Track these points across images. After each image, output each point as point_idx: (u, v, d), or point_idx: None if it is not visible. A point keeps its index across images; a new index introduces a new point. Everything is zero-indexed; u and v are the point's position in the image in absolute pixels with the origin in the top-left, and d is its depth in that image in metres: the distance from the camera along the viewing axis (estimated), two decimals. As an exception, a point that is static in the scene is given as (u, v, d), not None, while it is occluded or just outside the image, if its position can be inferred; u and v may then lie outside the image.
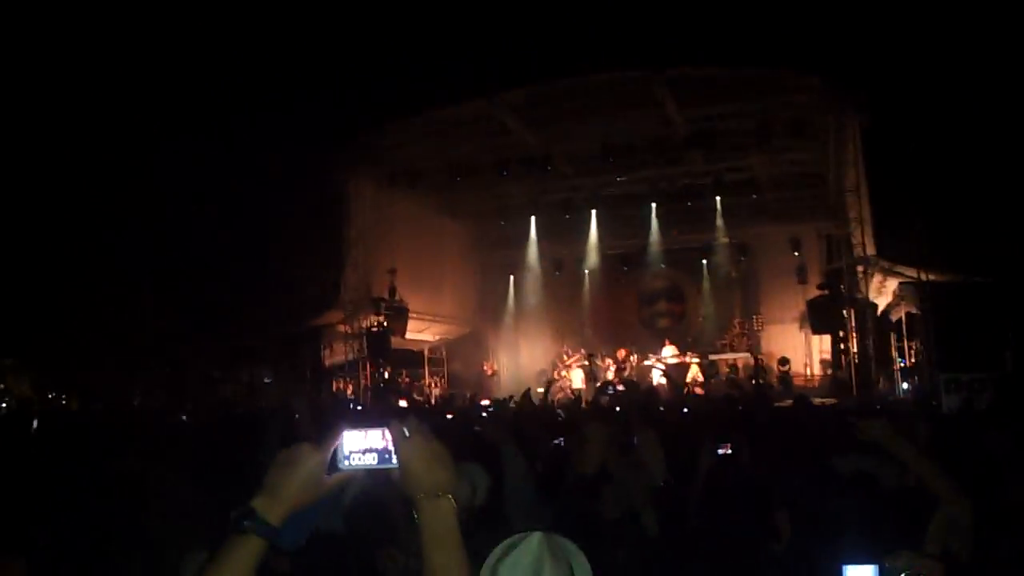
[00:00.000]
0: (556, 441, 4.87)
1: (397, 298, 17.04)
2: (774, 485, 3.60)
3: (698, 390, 16.92)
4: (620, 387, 16.32)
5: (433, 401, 16.39)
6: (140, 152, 15.65)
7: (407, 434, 1.54)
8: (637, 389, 16.36)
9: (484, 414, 8.62)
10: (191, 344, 15.61)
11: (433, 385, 19.95)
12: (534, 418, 6.72)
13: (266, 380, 15.25)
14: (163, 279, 16.09)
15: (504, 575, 1.99)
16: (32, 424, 9.56)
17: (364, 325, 16.83)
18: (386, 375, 16.66)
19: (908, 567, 1.69)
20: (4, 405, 14.34)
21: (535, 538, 2.03)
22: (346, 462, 1.57)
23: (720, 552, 2.52)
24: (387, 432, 1.55)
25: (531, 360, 20.65)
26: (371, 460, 1.56)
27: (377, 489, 2.73)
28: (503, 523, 2.71)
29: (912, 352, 14.50)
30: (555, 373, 19.39)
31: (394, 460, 1.54)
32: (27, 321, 15.16)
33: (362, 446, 1.57)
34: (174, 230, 16.06)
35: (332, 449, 1.57)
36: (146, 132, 15.58)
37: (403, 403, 15.08)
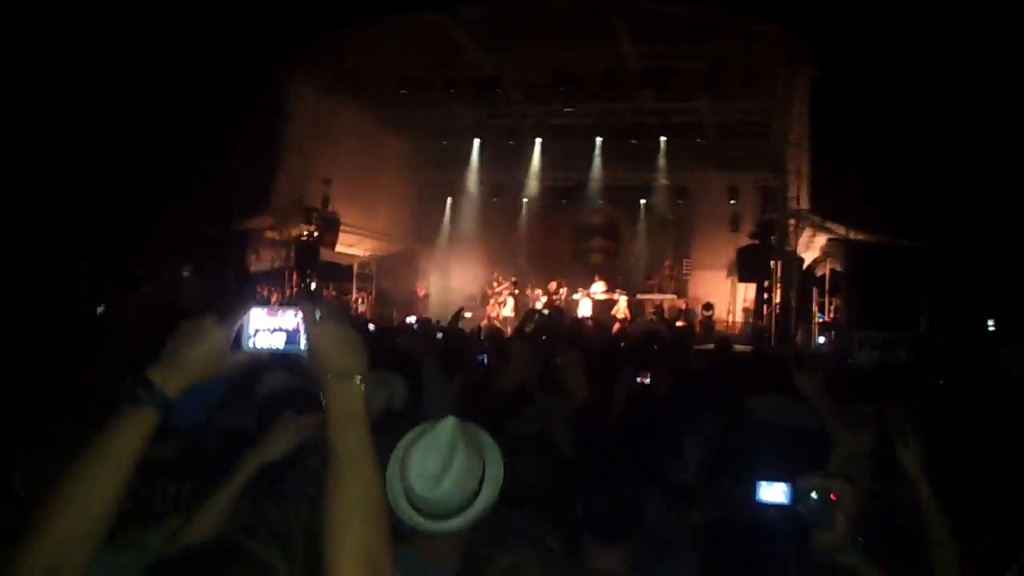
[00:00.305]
0: (480, 357, 4.85)
1: (330, 209, 16.71)
2: (687, 414, 3.65)
3: (617, 326, 17.16)
4: (545, 312, 16.52)
5: (359, 316, 16.25)
6: (73, 43, 14.79)
7: (318, 317, 1.45)
8: (562, 316, 16.63)
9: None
10: (112, 237, 15.09)
11: (360, 301, 19.78)
12: (460, 337, 6.71)
13: (187, 277, 14.84)
14: (88, 169, 15.42)
15: (417, 457, 1.97)
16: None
17: (293, 234, 16.47)
18: (312, 286, 16.40)
19: (819, 486, 1.72)
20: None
21: (449, 423, 2.01)
22: (251, 341, 1.47)
23: (630, 472, 2.54)
24: (298, 313, 1.47)
25: (462, 284, 20.62)
26: (279, 341, 1.47)
27: (295, 394, 2.65)
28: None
29: (832, 308, 14.90)
30: (485, 300, 19.42)
31: (303, 343, 1.46)
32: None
33: (270, 326, 1.47)
34: (103, 121, 15.32)
35: (237, 325, 1.47)
36: (79, 23, 14.72)
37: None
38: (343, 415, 1.41)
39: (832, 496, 1.73)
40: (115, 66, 14.73)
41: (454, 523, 1.97)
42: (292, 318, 1.48)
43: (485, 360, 4.78)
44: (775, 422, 3.65)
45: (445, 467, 1.94)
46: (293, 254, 16.50)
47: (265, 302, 1.50)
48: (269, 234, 16.55)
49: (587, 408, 3.33)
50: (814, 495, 1.73)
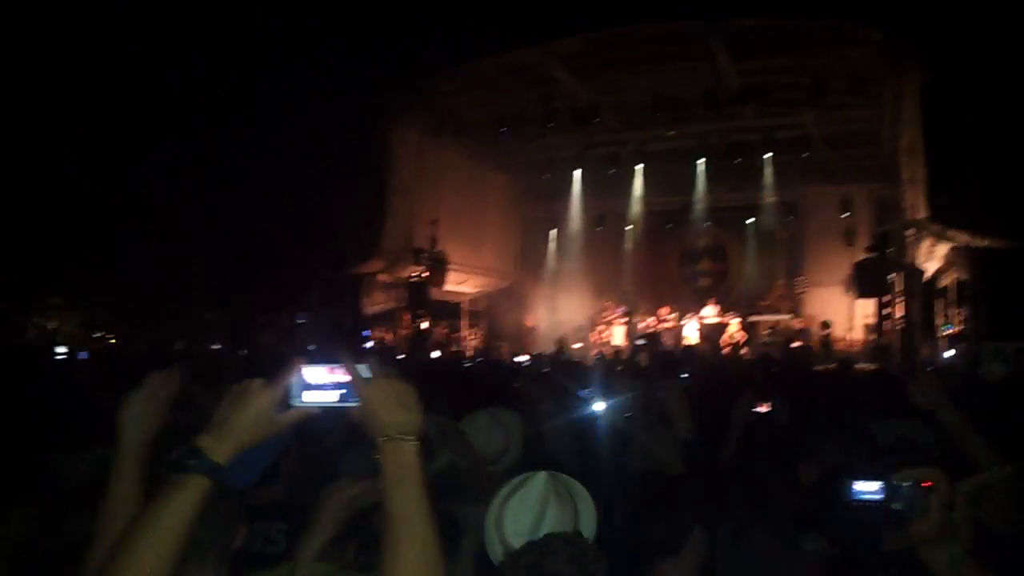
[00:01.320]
0: (582, 393, 4.84)
1: (437, 249, 17.04)
2: (806, 442, 3.54)
3: (729, 350, 16.78)
4: (641, 341, 16.30)
5: (471, 353, 16.46)
6: (189, 93, 15.69)
7: (368, 374, 1.46)
8: (659, 342, 16.41)
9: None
10: (234, 289, 15.82)
11: (471, 337, 20.03)
12: (566, 371, 6.71)
13: (304, 323, 15.35)
14: (209, 222, 16.27)
15: (511, 514, 2.01)
16: (79, 356, 9.83)
17: (404, 275, 16.87)
18: (424, 325, 16.71)
19: (911, 476, 1.67)
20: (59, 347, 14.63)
21: (540, 477, 2.04)
22: (300, 400, 1.48)
23: (746, 502, 2.50)
24: (347, 370, 1.47)
25: (570, 315, 20.58)
26: (328, 398, 1.47)
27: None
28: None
29: (959, 320, 14.15)
30: (595, 329, 19.34)
31: (353, 399, 1.46)
32: (76, 259, 15.44)
33: (325, 381, 1.48)
34: (222, 173, 16.16)
35: (285, 385, 1.49)
36: (196, 72, 15.61)
37: (437, 353, 15.21)
38: (397, 476, 1.41)
39: (925, 484, 1.68)
40: (232, 121, 15.54)
41: None
42: (342, 374, 1.47)
43: (588, 395, 4.77)
44: (901, 449, 3.49)
45: (538, 521, 1.98)
46: (405, 295, 16.88)
47: (317, 357, 1.49)
48: (381, 277, 16.98)
49: (695, 440, 3.27)
50: (906, 484, 1.69)
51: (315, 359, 1.51)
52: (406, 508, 1.39)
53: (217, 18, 15.14)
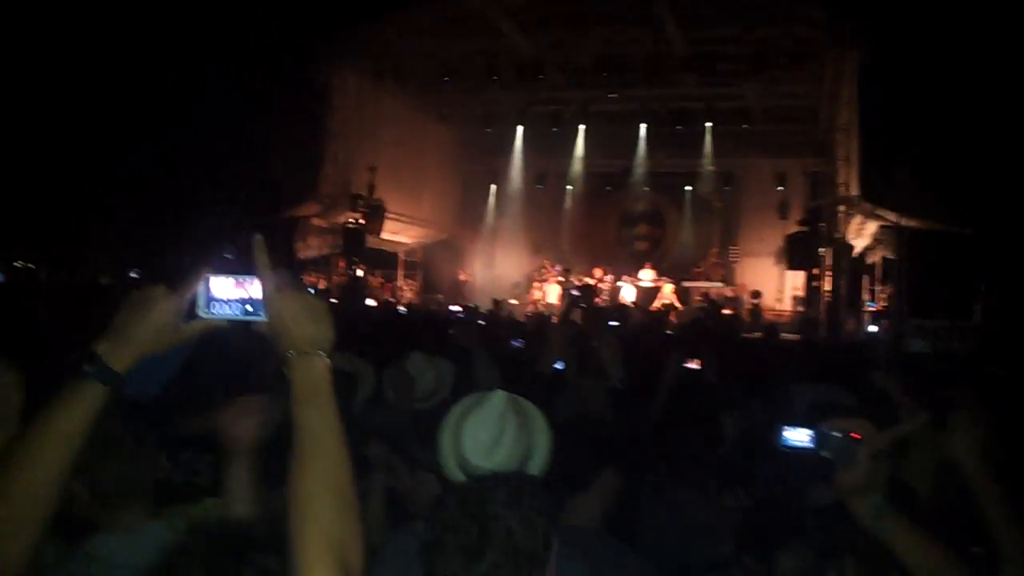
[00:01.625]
0: (514, 343, 4.86)
1: (375, 196, 16.80)
2: (733, 402, 3.60)
3: (668, 313, 17.02)
4: (576, 293, 16.43)
5: (406, 303, 16.38)
6: (125, 34, 15.05)
7: (279, 287, 1.38)
8: (592, 296, 16.59)
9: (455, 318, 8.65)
10: (163, 226, 15.38)
11: (406, 288, 19.92)
12: (501, 325, 6.73)
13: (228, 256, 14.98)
14: (139, 159, 15.72)
15: (469, 429, 2.00)
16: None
17: (340, 221, 16.61)
18: (359, 273, 16.52)
19: (841, 426, 1.72)
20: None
21: (499, 395, 2.04)
22: (207, 310, 1.41)
23: (670, 456, 2.52)
24: (257, 282, 1.40)
25: (506, 271, 20.60)
26: (236, 310, 1.41)
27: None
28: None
29: (884, 296, 14.61)
30: (531, 287, 19.39)
31: (262, 312, 1.39)
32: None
33: (228, 295, 1.41)
34: (157, 112, 15.59)
35: (192, 294, 1.41)
36: (132, 14, 14.95)
37: (371, 302, 15.09)
38: (307, 392, 1.33)
39: (854, 435, 1.72)
40: (164, 57, 14.97)
41: None
42: (251, 287, 1.41)
43: (521, 344, 4.79)
44: (818, 410, 3.58)
45: (497, 437, 1.97)
46: (340, 241, 16.63)
47: (234, 271, 1.41)
48: (316, 221, 16.69)
49: (625, 389, 3.31)
50: (836, 434, 1.73)
51: (223, 269, 1.43)
52: (316, 424, 1.31)
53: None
